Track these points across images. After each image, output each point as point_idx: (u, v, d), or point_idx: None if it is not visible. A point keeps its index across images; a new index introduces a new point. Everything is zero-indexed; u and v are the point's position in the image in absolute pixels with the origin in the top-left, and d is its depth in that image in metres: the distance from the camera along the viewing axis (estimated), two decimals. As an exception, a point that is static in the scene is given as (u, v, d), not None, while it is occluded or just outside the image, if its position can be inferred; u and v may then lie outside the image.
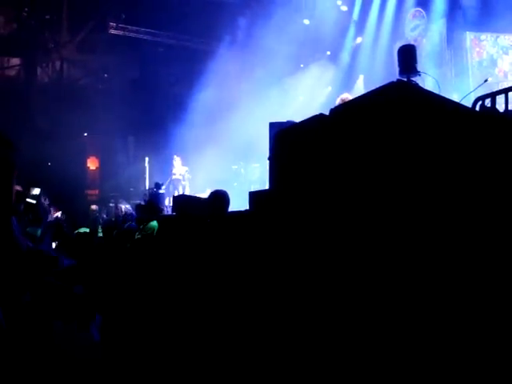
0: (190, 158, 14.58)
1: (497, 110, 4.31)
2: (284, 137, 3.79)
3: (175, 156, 14.48)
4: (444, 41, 12.01)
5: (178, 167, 14.49)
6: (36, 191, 4.75)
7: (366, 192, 2.60)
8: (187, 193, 13.08)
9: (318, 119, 3.23)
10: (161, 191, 12.31)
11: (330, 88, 15.20)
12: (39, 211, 7.01)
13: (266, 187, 5.80)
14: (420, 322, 2.14)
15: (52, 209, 10.42)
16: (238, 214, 4.50)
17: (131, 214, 8.68)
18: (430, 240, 2.27)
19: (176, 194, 12.99)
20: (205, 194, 13.06)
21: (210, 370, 3.38)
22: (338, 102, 6.94)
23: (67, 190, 13.12)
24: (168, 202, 12.97)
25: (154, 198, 11.01)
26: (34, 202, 4.47)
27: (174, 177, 14.31)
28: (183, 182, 14.38)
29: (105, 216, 12.63)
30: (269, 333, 2.91)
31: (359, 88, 14.18)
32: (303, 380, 2.54)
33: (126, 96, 15.09)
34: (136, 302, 5.17)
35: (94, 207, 12.79)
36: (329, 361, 2.42)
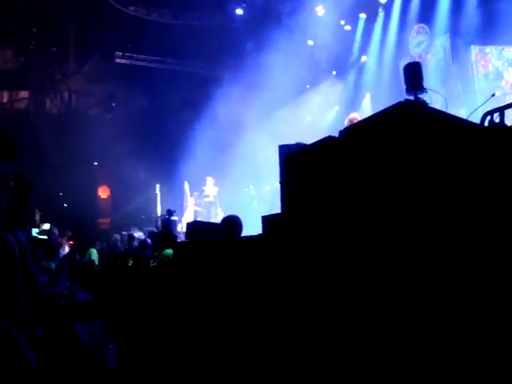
0: (198, 183, 14.67)
1: (505, 125, 4.31)
2: (293, 160, 3.83)
3: (208, 177, 14.18)
4: (449, 55, 12.05)
5: (210, 188, 14.18)
6: (46, 226, 4.85)
7: (379, 216, 2.62)
8: (220, 215, 13.06)
9: (327, 142, 3.26)
10: (173, 218, 12.34)
11: (337, 107, 15.32)
12: (53, 245, 7.08)
13: (278, 210, 5.82)
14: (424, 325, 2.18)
15: (65, 241, 10.50)
16: (251, 239, 4.51)
17: (145, 241, 8.72)
18: (446, 261, 2.28)
19: (212, 218, 12.99)
20: (217, 220, 13.30)
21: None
22: (346, 122, 7.09)
23: (79, 220, 13.23)
24: (180, 228, 13.01)
25: (168, 225, 11.06)
26: (45, 237, 4.55)
27: (206, 199, 14.06)
28: (215, 204, 14.18)
29: (119, 244, 12.70)
30: (282, 365, 2.91)
31: (366, 106, 14.26)
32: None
33: (134, 124, 15.31)
34: (152, 330, 5.17)
35: (116, 236, 12.90)
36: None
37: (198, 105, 15.63)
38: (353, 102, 14.42)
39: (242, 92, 14.33)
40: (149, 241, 8.67)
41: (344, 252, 2.83)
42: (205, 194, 14.12)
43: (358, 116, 7.13)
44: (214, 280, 4.26)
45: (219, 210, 14.00)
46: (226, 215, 5.03)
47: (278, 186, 10.64)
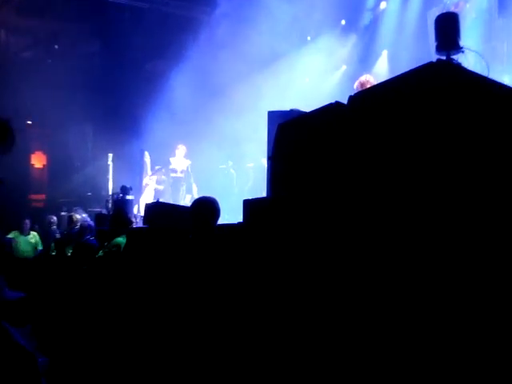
0: (165, 154, 14.63)
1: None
2: (289, 131, 3.86)
3: (179, 145, 14.20)
4: (494, 6, 11.96)
5: (180, 160, 14.19)
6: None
7: (396, 202, 2.64)
8: (192, 197, 13.03)
9: (332, 109, 3.28)
10: (128, 197, 12.26)
11: (344, 67, 15.31)
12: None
13: (264, 194, 5.84)
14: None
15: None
16: (228, 228, 4.58)
17: (89, 225, 8.68)
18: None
19: (181, 201, 13.00)
20: (185, 202, 13.35)
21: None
22: (356, 86, 7.17)
23: (4, 195, 13.08)
24: (137, 210, 12.98)
25: (121, 206, 11.00)
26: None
27: (173, 175, 14.10)
28: (182, 182, 14.15)
29: (55, 228, 12.64)
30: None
31: (382, 67, 14.26)
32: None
33: (82, 73, 15.05)
34: (93, 339, 5.19)
35: (52, 219, 12.84)
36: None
37: (168, 53, 15.51)
38: (365, 61, 14.42)
39: (226, 41, 14.26)
40: (92, 224, 8.64)
41: (347, 248, 2.86)
42: (171, 167, 14.11)
43: (371, 79, 7.19)
44: (179, 277, 4.27)
45: (194, 188, 14.02)
46: (198, 197, 5.01)
47: (263, 163, 10.84)
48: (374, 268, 2.68)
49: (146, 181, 14.40)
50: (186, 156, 14.17)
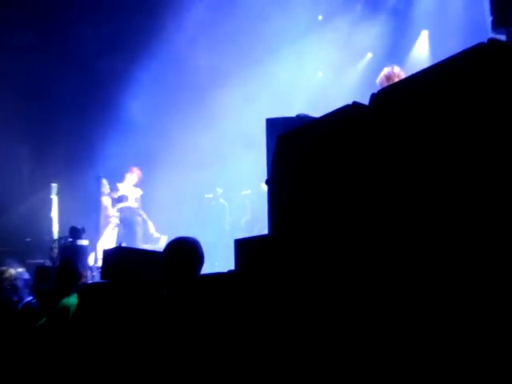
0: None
1: None
2: (292, 144, 3.93)
3: (133, 167, 14.44)
4: None
5: (129, 188, 14.42)
6: None
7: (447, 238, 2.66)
8: (168, 238, 13.02)
9: (349, 113, 3.35)
10: (81, 242, 12.21)
11: (369, 55, 15.47)
12: None
13: (265, 231, 5.83)
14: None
15: None
16: (216, 278, 4.58)
17: (25, 283, 8.62)
18: None
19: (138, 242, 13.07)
20: (158, 246, 13.36)
21: None
22: (380, 80, 7.44)
23: None
24: (94, 260, 12.99)
25: (71, 256, 10.94)
26: None
27: (122, 205, 14.32)
28: (138, 218, 14.35)
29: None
30: None
31: (422, 52, 14.33)
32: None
33: (13, 74, 15.10)
34: None
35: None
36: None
37: (129, 45, 15.58)
38: (397, 46, 14.53)
39: (206, 27, 14.38)
40: (27, 278, 8.54)
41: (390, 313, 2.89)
42: (119, 194, 14.36)
43: (400, 71, 7.38)
44: (150, 349, 4.27)
45: (151, 227, 14.25)
46: (174, 238, 5.05)
47: (264, 188, 10.79)
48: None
49: (104, 219, 14.39)
50: (138, 185, 14.48)
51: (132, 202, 14.30)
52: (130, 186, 14.35)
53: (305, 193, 3.56)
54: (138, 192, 14.35)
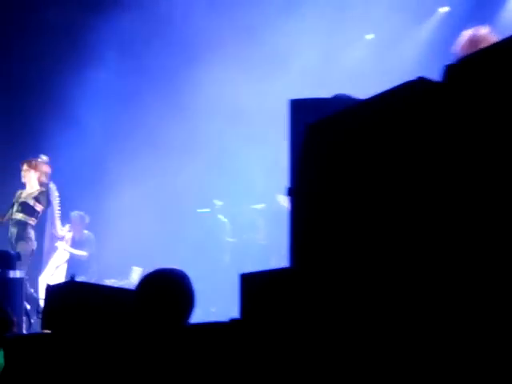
0: (80, 193, 14.96)
1: None
2: (329, 134, 3.91)
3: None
4: None
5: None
6: None
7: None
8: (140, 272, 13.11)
9: (415, 90, 3.31)
10: (13, 274, 12.22)
11: (443, 9, 15.51)
12: None
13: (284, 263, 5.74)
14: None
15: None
16: (213, 329, 4.56)
17: None
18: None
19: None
20: (130, 281, 13.34)
21: None
22: (459, 47, 7.39)
23: None
24: (34, 299, 12.95)
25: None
26: None
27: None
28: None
29: None
30: None
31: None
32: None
33: None
34: None
35: None
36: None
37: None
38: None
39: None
40: None
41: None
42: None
43: (489, 34, 7.41)
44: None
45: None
46: (152, 270, 4.93)
47: (282, 202, 10.79)
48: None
49: (50, 241, 14.51)
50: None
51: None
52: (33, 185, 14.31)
53: (351, 206, 3.49)
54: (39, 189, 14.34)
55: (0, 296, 10.39)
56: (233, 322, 4.17)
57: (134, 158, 14.91)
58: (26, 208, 13.88)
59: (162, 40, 15.14)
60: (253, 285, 4.09)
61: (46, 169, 14.20)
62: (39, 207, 13.97)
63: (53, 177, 14.68)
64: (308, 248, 3.86)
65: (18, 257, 12.22)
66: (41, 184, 14.12)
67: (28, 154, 15.10)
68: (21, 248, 13.46)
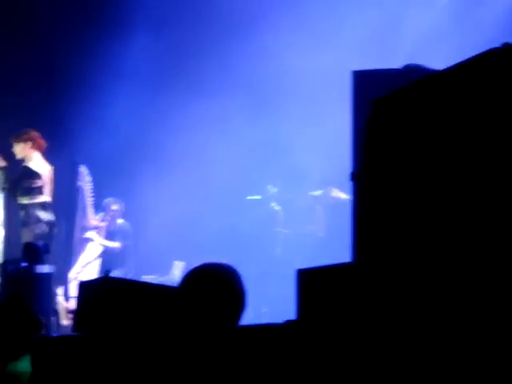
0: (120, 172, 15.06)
1: None
2: (400, 111, 3.90)
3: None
4: None
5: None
6: None
7: None
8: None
9: (502, 59, 3.28)
10: (43, 269, 12.21)
11: None
12: None
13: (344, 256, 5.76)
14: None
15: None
16: (267, 331, 4.59)
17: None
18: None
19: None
20: (171, 277, 13.35)
21: None
22: None
23: None
24: (65, 296, 13.03)
25: (22, 292, 10.91)
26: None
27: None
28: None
29: None
30: None
31: None
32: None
33: None
34: None
35: None
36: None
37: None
38: None
39: None
40: None
41: None
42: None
43: None
44: None
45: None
46: (197, 265, 4.87)
47: (335, 194, 10.73)
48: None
49: (81, 233, 14.54)
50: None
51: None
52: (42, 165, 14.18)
53: (424, 195, 3.46)
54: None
55: (26, 294, 10.39)
56: (288, 323, 4.21)
57: (175, 138, 14.84)
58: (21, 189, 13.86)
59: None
60: (311, 282, 4.09)
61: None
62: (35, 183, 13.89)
63: (84, 159, 14.74)
64: (373, 241, 3.87)
65: (46, 250, 12.20)
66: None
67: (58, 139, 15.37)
68: (24, 237, 13.47)
